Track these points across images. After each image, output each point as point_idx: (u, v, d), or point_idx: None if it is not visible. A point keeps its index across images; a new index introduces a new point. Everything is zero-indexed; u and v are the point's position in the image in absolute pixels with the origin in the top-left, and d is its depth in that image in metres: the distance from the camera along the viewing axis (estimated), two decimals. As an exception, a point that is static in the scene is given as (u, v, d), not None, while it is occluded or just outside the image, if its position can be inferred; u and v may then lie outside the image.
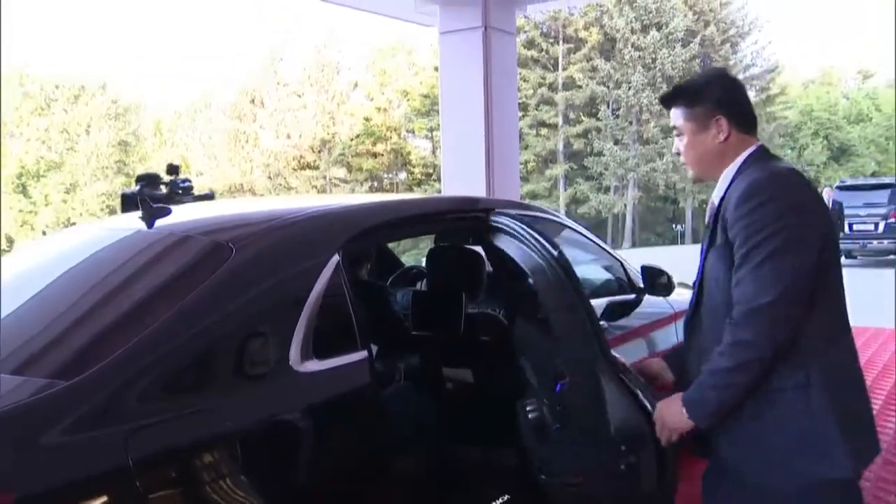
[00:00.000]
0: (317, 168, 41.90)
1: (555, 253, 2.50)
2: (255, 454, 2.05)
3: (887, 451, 5.00)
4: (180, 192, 3.07)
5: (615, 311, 3.97)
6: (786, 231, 1.99)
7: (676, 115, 2.29)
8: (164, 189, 2.94)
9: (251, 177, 42.08)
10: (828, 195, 17.90)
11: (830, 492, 2.07)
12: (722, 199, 2.19)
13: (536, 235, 2.70)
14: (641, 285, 4.23)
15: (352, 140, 42.01)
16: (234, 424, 2.04)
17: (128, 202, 2.89)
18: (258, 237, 2.45)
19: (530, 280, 2.82)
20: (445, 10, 9.61)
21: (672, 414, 2.12)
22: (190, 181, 3.47)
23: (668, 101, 2.32)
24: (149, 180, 2.96)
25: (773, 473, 2.09)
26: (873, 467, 4.68)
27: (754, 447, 2.11)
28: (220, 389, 2.08)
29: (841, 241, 18.31)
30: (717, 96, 2.23)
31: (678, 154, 2.33)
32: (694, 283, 2.31)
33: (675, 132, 2.32)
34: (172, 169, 3.16)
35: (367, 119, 42.36)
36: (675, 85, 2.35)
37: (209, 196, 3.20)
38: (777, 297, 1.96)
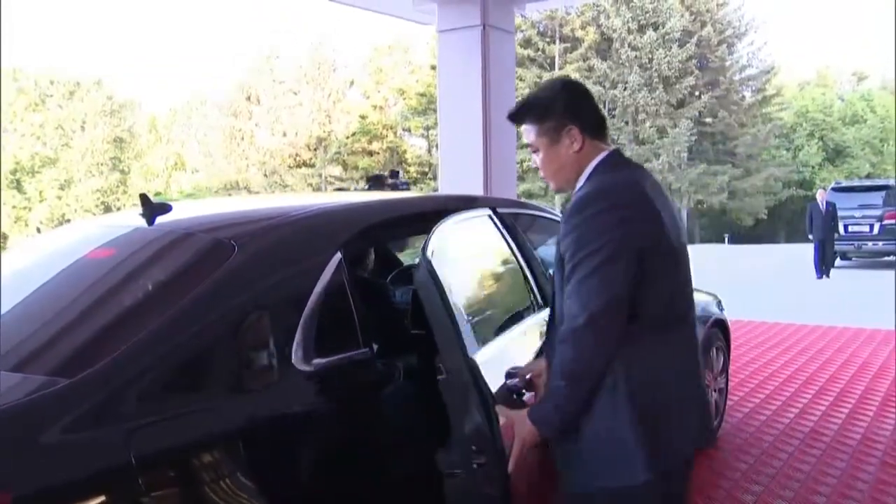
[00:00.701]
0: (312, 166, 41.85)
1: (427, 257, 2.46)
2: (258, 453, 2.03)
3: (885, 453, 5.00)
4: (400, 190, 4.18)
5: None
6: (609, 245, 2.00)
7: (528, 132, 2.27)
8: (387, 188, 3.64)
9: (247, 174, 42.02)
10: (821, 196, 17.98)
11: (629, 498, 2.09)
12: None
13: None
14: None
15: (348, 138, 41.97)
16: (236, 423, 2.03)
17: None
18: (260, 235, 2.44)
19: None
20: (444, 9, 9.59)
21: (523, 427, 2.12)
22: (408, 182, 4.96)
23: (517, 117, 2.31)
24: (375, 180, 4.18)
25: (585, 482, 2.11)
26: (871, 469, 4.69)
27: (573, 457, 2.13)
28: (222, 388, 2.07)
29: (836, 243, 18.51)
30: (566, 107, 2.22)
31: (537, 168, 2.32)
32: (552, 294, 2.30)
33: (530, 149, 2.30)
34: (394, 173, 4.52)
35: (362, 117, 42.32)
36: (521, 101, 2.33)
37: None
38: (598, 311, 1.98)
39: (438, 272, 2.36)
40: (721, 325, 5.37)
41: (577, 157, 2.22)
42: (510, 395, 2.35)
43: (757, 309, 11.07)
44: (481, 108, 9.04)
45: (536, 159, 2.29)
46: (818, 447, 5.13)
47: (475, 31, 9.37)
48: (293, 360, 2.18)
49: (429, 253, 2.40)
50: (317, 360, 2.24)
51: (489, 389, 2.29)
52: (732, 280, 15.28)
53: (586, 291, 2.00)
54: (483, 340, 2.69)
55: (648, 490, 2.07)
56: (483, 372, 2.31)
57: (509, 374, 2.52)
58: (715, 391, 5.22)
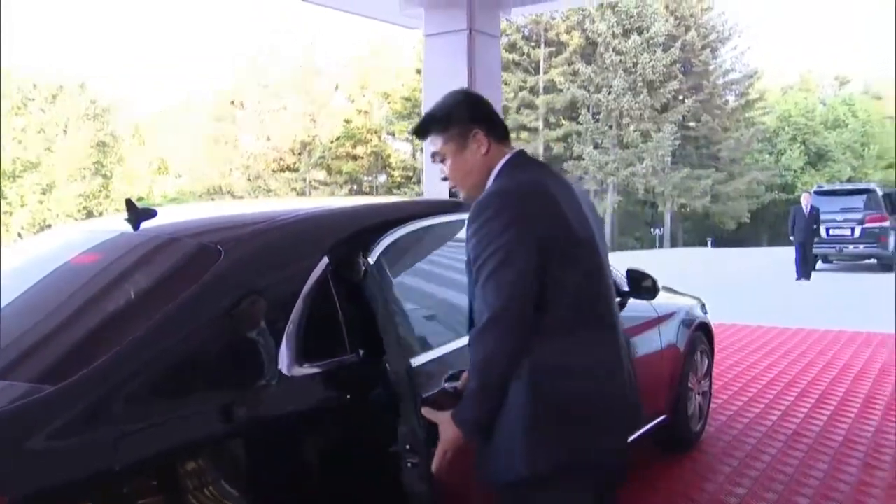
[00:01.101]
0: (296, 170, 41.78)
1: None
2: (245, 458, 2.04)
3: (867, 454, 5.04)
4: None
5: None
6: (506, 246, 2.05)
7: (435, 142, 2.32)
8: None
9: (230, 179, 41.90)
10: (805, 200, 18.14)
11: (514, 495, 2.14)
12: None
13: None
14: (626, 289, 4.25)
15: (332, 142, 41.94)
16: (223, 429, 2.03)
17: None
18: (246, 240, 2.44)
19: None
20: (430, 13, 9.62)
21: (448, 429, 2.15)
22: None
23: (422, 131, 2.36)
24: None
25: (495, 477, 2.15)
26: (853, 470, 4.73)
27: (485, 452, 2.17)
28: (209, 393, 2.07)
29: (818, 246, 18.73)
30: (469, 112, 2.30)
31: (445, 179, 2.37)
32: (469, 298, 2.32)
33: (436, 159, 2.35)
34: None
35: (347, 121, 42.30)
36: (425, 115, 2.38)
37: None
38: (499, 311, 2.02)
39: (388, 276, 2.39)
40: (705, 329, 5.40)
41: (485, 161, 2.28)
42: (449, 397, 2.36)
43: (740, 312, 11.14)
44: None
45: (445, 168, 2.34)
46: (801, 449, 5.17)
47: (461, 36, 9.41)
48: (280, 366, 2.18)
49: (374, 257, 2.46)
50: (304, 365, 2.25)
51: (418, 392, 2.33)
52: (716, 283, 15.37)
53: (488, 293, 2.05)
54: (432, 344, 2.73)
55: (547, 485, 2.10)
56: (431, 375, 2.38)
57: (451, 377, 2.54)
58: (699, 394, 5.25)
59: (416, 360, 2.54)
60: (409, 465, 2.24)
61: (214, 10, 73.86)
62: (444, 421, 2.16)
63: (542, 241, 2.08)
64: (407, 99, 41.01)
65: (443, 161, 2.34)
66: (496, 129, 2.32)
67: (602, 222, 2.44)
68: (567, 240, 2.15)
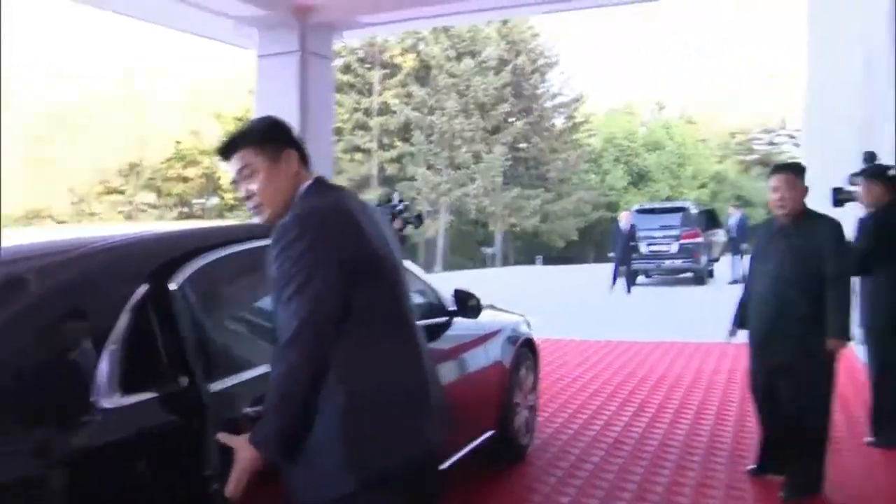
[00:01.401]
0: (123, 193, 40.15)
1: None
2: (56, 496, 1.98)
3: (680, 457, 5.38)
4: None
5: (426, 335, 4.08)
6: (309, 266, 2.11)
7: (247, 156, 2.34)
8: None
9: (52, 202, 39.76)
10: (625, 218, 19.26)
11: None
12: None
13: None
14: (452, 308, 4.39)
15: (162, 164, 40.58)
16: (32, 466, 1.96)
17: None
18: (59, 267, 2.37)
19: None
20: (263, 34, 9.58)
21: (245, 451, 2.14)
22: (406, 204, 6.49)
23: (231, 147, 2.37)
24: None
25: (305, 497, 2.18)
26: (666, 472, 5.04)
27: (294, 471, 2.19)
28: (18, 429, 2.00)
29: (639, 262, 19.90)
30: (285, 135, 2.39)
31: (248, 198, 2.37)
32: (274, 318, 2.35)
33: (243, 174, 2.35)
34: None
35: (178, 142, 41.05)
36: (237, 132, 2.41)
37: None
38: (302, 325, 2.08)
39: (202, 301, 2.42)
40: (530, 345, 5.61)
41: (294, 182, 2.34)
42: (249, 421, 2.32)
43: (567, 327, 11.60)
44: (298, 132, 9.01)
45: (252, 184, 2.33)
46: (621, 455, 5.45)
47: (294, 57, 9.43)
48: (94, 398, 2.13)
49: (188, 283, 2.49)
50: (122, 397, 2.20)
51: (222, 417, 2.36)
52: (543, 300, 15.91)
53: (291, 311, 2.09)
54: (243, 367, 2.71)
55: (362, 500, 2.13)
56: (240, 398, 2.42)
57: (255, 401, 2.48)
58: (526, 408, 5.44)
59: (225, 384, 2.54)
60: (211, 492, 2.23)
61: (38, 24, 69.96)
62: (241, 444, 2.14)
63: (344, 259, 2.15)
64: (239, 119, 40.18)
65: (250, 176, 2.33)
66: (304, 155, 2.39)
67: (398, 243, 2.53)
68: (369, 258, 2.23)
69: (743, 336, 4.84)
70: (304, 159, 2.38)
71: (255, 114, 9.57)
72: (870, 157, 6.06)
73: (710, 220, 22.96)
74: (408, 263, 4.45)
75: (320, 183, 2.37)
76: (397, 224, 9.52)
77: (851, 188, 6.08)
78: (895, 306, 5.33)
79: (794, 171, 4.60)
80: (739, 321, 4.88)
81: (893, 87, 7.19)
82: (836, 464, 4.85)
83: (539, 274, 27.96)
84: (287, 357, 2.09)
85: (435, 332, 4.21)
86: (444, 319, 4.36)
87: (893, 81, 7.19)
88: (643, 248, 20.45)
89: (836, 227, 4.52)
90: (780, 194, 4.52)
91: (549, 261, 38.27)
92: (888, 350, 5.41)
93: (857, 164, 6.07)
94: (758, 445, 5.00)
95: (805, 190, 4.59)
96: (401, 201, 9.18)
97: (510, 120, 41.73)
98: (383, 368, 2.22)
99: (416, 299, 4.45)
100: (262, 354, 2.55)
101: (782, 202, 4.51)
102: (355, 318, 2.16)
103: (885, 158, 6.31)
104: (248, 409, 2.48)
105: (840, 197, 6.15)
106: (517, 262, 38.69)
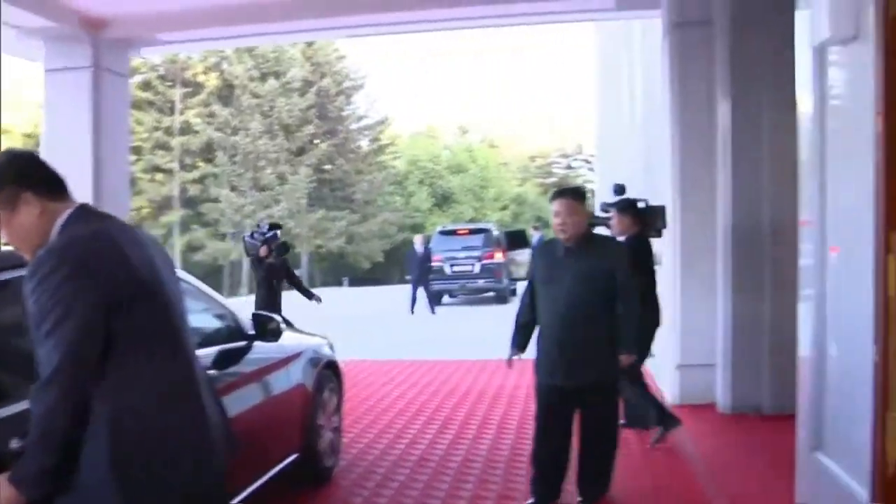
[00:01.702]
0: None
1: None
2: None
3: (483, 471, 5.57)
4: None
5: (225, 360, 4.06)
6: (64, 301, 2.05)
7: None
8: None
9: None
10: (419, 241, 19.86)
11: None
12: None
13: None
14: (251, 332, 4.37)
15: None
16: None
17: None
18: None
19: None
20: (51, 46, 9.04)
21: (3, 493, 2.06)
22: (274, 232, 8.42)
23: None
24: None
25: None
26: (469, 486, 5.20)
27: None
28: None
29: (442, 282, 20.42)
30: (15, 175, 2.22)
31: (6, 244, 2.35)
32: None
33: None
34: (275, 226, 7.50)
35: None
36: None
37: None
38: (58, 367, 2.02)
39: None
40: (332, 366, 5.64)
41: (41, 223, 2.21)
42: (14, 457, 2.21)
43: (372, 348, 11.71)
44: (91, 151, 8.69)
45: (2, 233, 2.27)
46: (426, 472, 5.57)
47: (85, 73, 8.98)
48: None
49: None
50: None
51: None
52: (350, 321, 15.94)
53: (48, 349, 2.03)
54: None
55: None
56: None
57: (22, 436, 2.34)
58: (330, 430, 5.46)
59: None
60: None
61: None
62: (2, 482, 2.06)
63: (106, 289, 2.09)
64: (28, 136, 37.75)
65: None
66: (48, 187, 2.24)
67: (172, 263, 2.47)
68: (135, 283, 2.16)
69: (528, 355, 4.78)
70: (52, 192, 2.23)
71: (45, 131, 9.05)
72: (619, 189, 6.57)
73: (521, 240, 23.66)
74: (204, 287, 4.42)
75: (85, 211, 2.26)
76: (263, 251, 9.36)
77: (603, 215, 6.53)
78: (643, 329, 5.37)
79: (574, 197, 4.65)
80: (518, 345, 4.82)
81: (668, 123, 7.73)
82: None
83: (345, 295, 27.96)
84: (46, 393, 2.02)
85: (234, 356, 4.19)
86: (242, 344, 4.33)
87: (668, 116, 7.74)
88: (447, 269, 20.95)
89: (621, 246, 4.85)
90: (561, 219, 4.55)
91: (355, 282, 38.34)
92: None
93: (632, 191, 6.54)
94: (533, 481, 4.76)
95: (587, 214, 4.82)
96: (270, 229, 9.18)
97: (315, 142, 41.59)
98: (153, 397, 2.15)
99: (214, 323, 4.40)
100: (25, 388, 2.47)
101: (563, 227, 4.55)
102: (122, 347, 2.10)
103: (662, 186, 6.82)
104: (13, 443, 2.36)
105: (590, 222, 6.45)
106: (324, 284, 38.43)
